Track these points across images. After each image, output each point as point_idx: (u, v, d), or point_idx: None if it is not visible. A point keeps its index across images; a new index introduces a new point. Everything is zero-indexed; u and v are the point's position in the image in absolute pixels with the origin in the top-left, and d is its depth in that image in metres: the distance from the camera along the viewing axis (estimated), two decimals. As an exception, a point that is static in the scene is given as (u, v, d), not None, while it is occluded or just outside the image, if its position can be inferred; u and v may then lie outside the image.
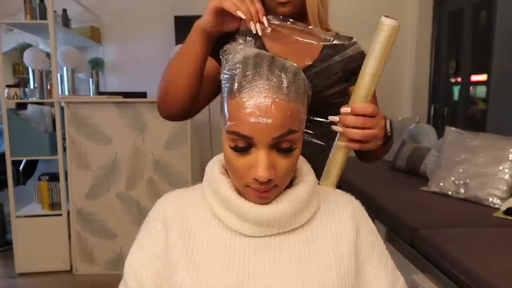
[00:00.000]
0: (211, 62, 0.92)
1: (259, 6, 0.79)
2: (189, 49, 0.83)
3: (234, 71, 0.62)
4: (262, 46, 0.92)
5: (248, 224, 0.64)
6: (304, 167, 0.71)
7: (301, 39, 0.86)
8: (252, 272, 0.62)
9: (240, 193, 0.66)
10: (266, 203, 0.65)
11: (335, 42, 0.89)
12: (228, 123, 0.61)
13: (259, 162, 0.59)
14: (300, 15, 0.95)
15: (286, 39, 0.96)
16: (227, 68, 0.64)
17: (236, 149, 0.61)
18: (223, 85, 0.64)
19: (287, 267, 0.63)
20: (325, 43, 0.90)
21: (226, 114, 0.62)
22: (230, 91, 0.61)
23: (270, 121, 0.58)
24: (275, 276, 0.62)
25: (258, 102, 0.58)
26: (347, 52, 0.89)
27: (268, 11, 0.95)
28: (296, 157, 0.63)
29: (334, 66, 0.89)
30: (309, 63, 0.94)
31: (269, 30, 0.80)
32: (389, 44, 0.80)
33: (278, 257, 0.64)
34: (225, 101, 0.63)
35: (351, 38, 0.98)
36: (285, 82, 0.60)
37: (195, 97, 0.87)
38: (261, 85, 0.59)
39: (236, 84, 0.60)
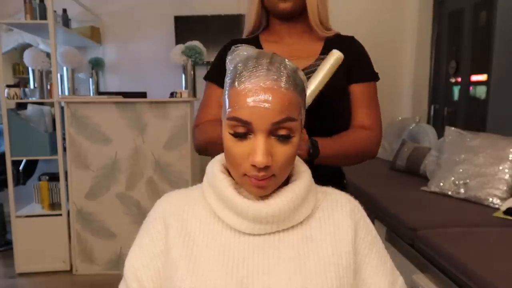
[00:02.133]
0: (216, 93, 0.97)
1: None
2: None
3: (236, 66, 0.64)
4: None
5: (247, 221, 0.65)
6: (300, 165, 0.72)
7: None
8: (252, 270, 0.63)
9: (239, 191, 0.66)
10: (264, 198, 0.65)
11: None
12: (229, 109, 0.62)
13: (257, 148, 0.60)
14: (300, 13, 0.95)
15: (284, 42, 0.97)
16: (231, 66, 0.66)
17: (235, 135, 0.62)
18: (226, 81, 0.66)
19: (286, 265, 0.63)
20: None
21: (227, 104, 0.63)
22: (232, 81, 0.63)
23: (269, 105, 0.59)
24: (274, 274, 0.62)
25: (257, 87, 0.60)
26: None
27: (268, 8, 0.97)
28: (294, 147, 0.64)
29: None
30: (310, 62, 0.95)
31: None
32: (333, 70, 0.88)
33: (277, 255, 0.64)
34: (227, 93, 0.64)
35: (352, 37, 1.00)
36: (284, 73, 0.62)
37: None
38: (261, 74, 0.61)
39: (237, 75, 0.62)
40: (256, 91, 0.60)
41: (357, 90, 0.96)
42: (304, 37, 1.00)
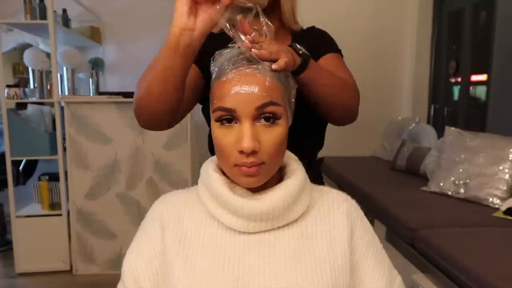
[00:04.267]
0: (193, 69, 0.88)
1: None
2: (174, 64, 0.71)
3: (220, 64, 0.66)
4: None
5: (242, 219, 0.65)
6: (293, 163, 0.73)
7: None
8: (248, 269, 0.63)
9: (233, 190, 0.67)
10: (257, 195, 0.66)
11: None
12: (214, 102, 0.64)
13: (244, 134, 0.61)
14: (271, 9, 0.95)
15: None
16: (217, 65, 0.68)
17: (221, 120, 0.63)
18: (212, 81, 0.68)
19: (281, 263, 0.63)
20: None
21: (212, 98, 0.65)
22: (216, 77, 0.65)
23: (251, 91, 0.61)
24: (270, 273, 0.62)
25: (239, 76, 0.62)
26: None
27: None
28: (281, 134, 0.65)
29: None
30: None
31: None
32: None
33: (272, 253, 0.64)
34: (211, 89, 0.67)
35: (313, 26, 1.04)
36: (265, 63, 0.64)
37: (177, 109, 0.78)
38: (243, 64, 0.63)
39: (221, 70, 0.65)
40: (238, 79, 0.62)
41: (323, 62, 0.93)
42: (275, 32, 1.00)
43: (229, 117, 0.63)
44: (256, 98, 0.61)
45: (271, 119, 0.63)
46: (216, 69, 0.67)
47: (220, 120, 0.64)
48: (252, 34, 0.66)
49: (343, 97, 0.86)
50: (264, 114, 0.62)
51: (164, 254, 0.67)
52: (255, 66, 0.63)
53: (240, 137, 0.62)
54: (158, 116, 0.76)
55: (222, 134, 0.64)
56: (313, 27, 1.04)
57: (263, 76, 0.63)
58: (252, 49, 0.63)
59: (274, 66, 0.64)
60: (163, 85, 0.70)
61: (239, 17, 0.69)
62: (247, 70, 0.62)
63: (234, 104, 0.61)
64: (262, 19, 0.69)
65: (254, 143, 0.61)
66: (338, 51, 1.00)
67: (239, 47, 0.67)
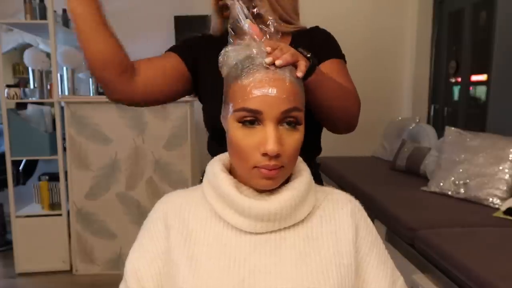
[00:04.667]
0: (175, 59, 0.94)
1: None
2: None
3: (237, 64, 0.64)
4: None
5: (249, 220, 0.65)
6: (299, 164, 0.73)
7: None
8: (253, 269, 0.63)
9: (240, 190, 0.66)
10: (265, 196, 0.66)
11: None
12: (235, 103, 0.63)
13: (269, 136, 0.61)
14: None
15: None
16: (230, 64, 0.66)
17: (244, 122, 0.62)
18: (226, 80, 0.67)
19: (287, 264, 0.63)
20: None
21: (233, 98, 0.64)
22: (235, 77, 0.64)
23: (277, 94, 0.61)
24: (276, 273, 0.62)
25: (265, 79, 0.61)
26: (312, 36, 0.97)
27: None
28: (300, 138, 0.65)
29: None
30: None
31: None
32: None
33: (278, 254, 0.64)
34: (229, 90, 0.65)
35: (317, 26, 1.04)
36: (286, 68, 0.63)
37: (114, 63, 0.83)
38: (265, 67, 0.62)
39: (241, 71, 0.63)
40: (264, 82, 0.61)
41: (324, 67, 0.92)
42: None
43: (252, 119, 0.62)
44: (282, 101, 0.61)
45: (294, 123, 0.63)
46: (229, 67, 0.65)
47: (242, 121, 0.63)
48: (263, 39, 0.66)
49: (344, 104, 0.86)
50: (288, 119, 0.62)
51: (168, 253, 0.67)
52: (278, 70, 0.62)
53: (263, 139, 0.61)
54: (98, 74, 0.83)
55: (243, 135, 0.63)
56: (317, 27, 1.03)
57: (287, 79, 0.62)
58: (277, 62, 0.62)
59: (299, 74, 0.64)
60: (77, 34, 0.80)
61: (247, 21, 0.68)
62: (272, 74, 0.62)
63: (260, 106, 0.61)
64: (265, 16, 0.69)
65: (278, 146, 0.61)
66: (341, 56, 0.99)
67: (248, 45, 0.65)
